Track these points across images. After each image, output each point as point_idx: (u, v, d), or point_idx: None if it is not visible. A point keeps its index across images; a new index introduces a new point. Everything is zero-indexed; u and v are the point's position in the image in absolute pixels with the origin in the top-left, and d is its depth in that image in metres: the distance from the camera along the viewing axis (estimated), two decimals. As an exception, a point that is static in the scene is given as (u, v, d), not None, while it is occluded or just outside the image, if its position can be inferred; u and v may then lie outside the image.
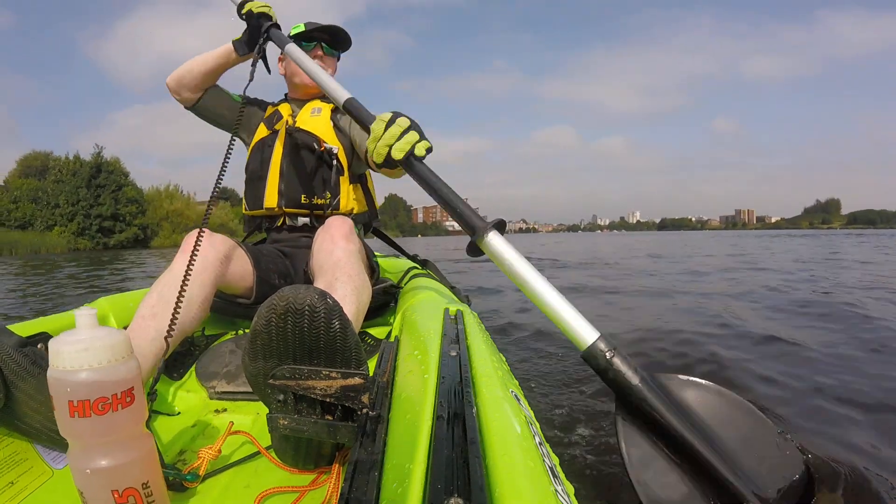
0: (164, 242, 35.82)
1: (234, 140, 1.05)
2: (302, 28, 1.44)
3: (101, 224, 32.82)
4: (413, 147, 0.89)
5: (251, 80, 1.22)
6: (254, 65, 1.24)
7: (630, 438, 0.77)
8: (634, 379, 0.78)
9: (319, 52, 1.44)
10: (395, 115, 0.92)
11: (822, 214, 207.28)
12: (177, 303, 0.82)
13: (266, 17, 1.29)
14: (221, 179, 0.99)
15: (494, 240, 0.85)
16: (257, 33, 1.29)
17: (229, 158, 1.02)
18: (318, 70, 1.16)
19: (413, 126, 0.91)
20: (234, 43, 1.33)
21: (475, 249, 0.87)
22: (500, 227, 0.88)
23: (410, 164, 0.90)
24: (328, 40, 1.46)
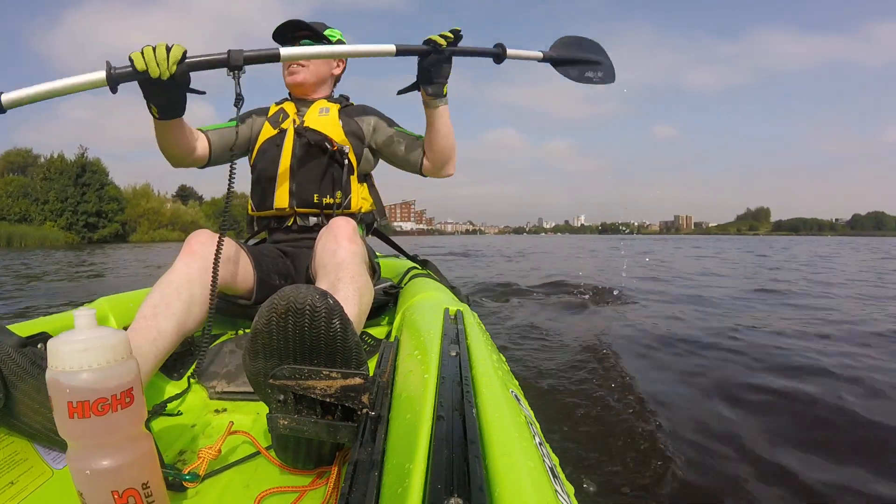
0: (143, 238, 38.47)
1: (235, 166, 1.04)
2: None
3: (87, 220, 35.51)
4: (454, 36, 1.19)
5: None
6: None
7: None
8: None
9: None
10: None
11: (752, 221, 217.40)
12: (211, 298, 0.95)
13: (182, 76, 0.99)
14: (228, 204, 1.04)
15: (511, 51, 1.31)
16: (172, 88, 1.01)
17: (234, 183, 1.03)
18: (331, 49, 1.18)
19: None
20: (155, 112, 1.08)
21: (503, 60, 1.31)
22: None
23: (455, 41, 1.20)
24: (311, 36, 1.38)
